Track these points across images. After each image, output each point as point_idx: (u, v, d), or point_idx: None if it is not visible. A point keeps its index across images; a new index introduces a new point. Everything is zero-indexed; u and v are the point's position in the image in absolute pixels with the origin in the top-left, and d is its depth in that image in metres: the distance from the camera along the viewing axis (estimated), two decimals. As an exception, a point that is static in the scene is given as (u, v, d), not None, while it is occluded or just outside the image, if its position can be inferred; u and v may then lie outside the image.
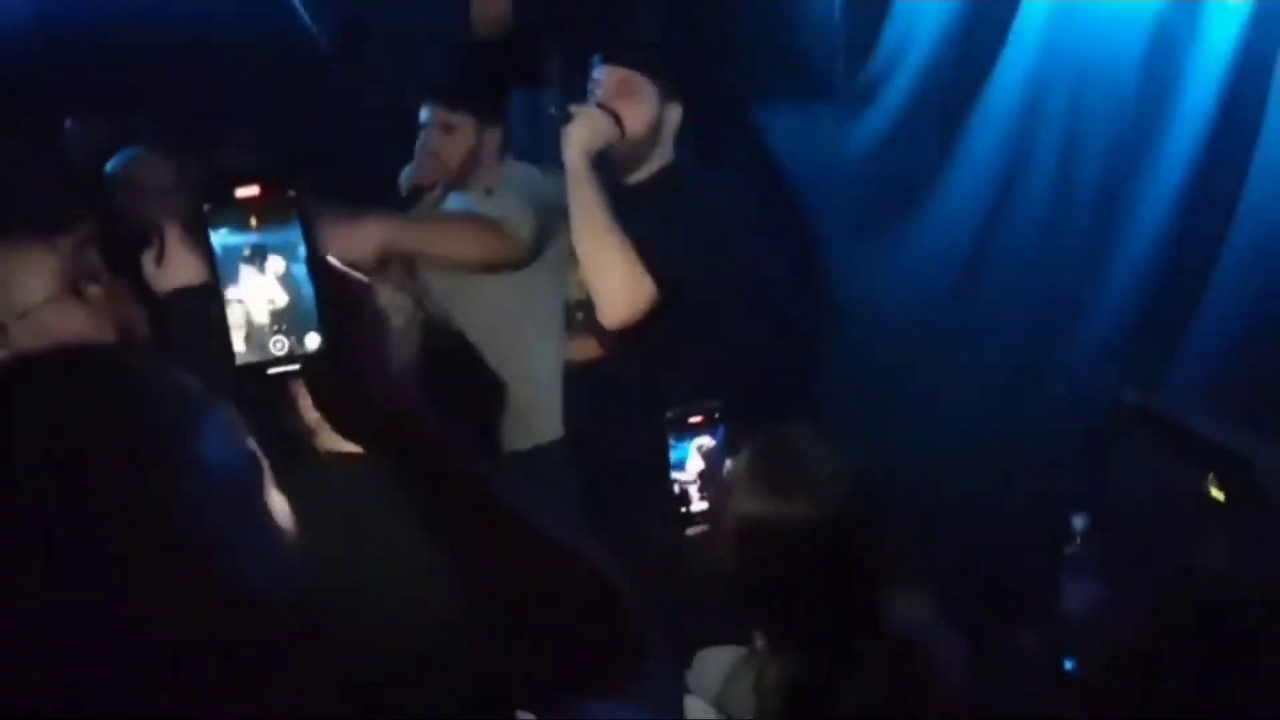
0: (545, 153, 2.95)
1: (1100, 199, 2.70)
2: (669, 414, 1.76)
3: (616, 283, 2.39)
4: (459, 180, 2.89)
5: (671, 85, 2.67)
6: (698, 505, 1.76)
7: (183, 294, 2.13)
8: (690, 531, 1.76)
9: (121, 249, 2.73)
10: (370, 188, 3.29)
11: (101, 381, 0.82)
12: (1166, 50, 2.53)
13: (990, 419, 2.85)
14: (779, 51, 3.18)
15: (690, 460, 1.76)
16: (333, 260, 0.96)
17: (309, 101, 3.55)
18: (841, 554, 1.44)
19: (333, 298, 0.94)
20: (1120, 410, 2.19)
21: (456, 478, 0.99)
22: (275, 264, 0.93)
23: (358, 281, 0.97)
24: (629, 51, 2.66)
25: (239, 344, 0.94)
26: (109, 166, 3.14)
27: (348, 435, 0.99)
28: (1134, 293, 2.62)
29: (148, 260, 2.17)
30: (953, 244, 2.98)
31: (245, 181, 0.93)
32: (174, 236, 2.15)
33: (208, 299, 2.16)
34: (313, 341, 0.94)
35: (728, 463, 1.68)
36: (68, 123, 4.03)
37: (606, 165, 2.55)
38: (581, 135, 2.46)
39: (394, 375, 0.98)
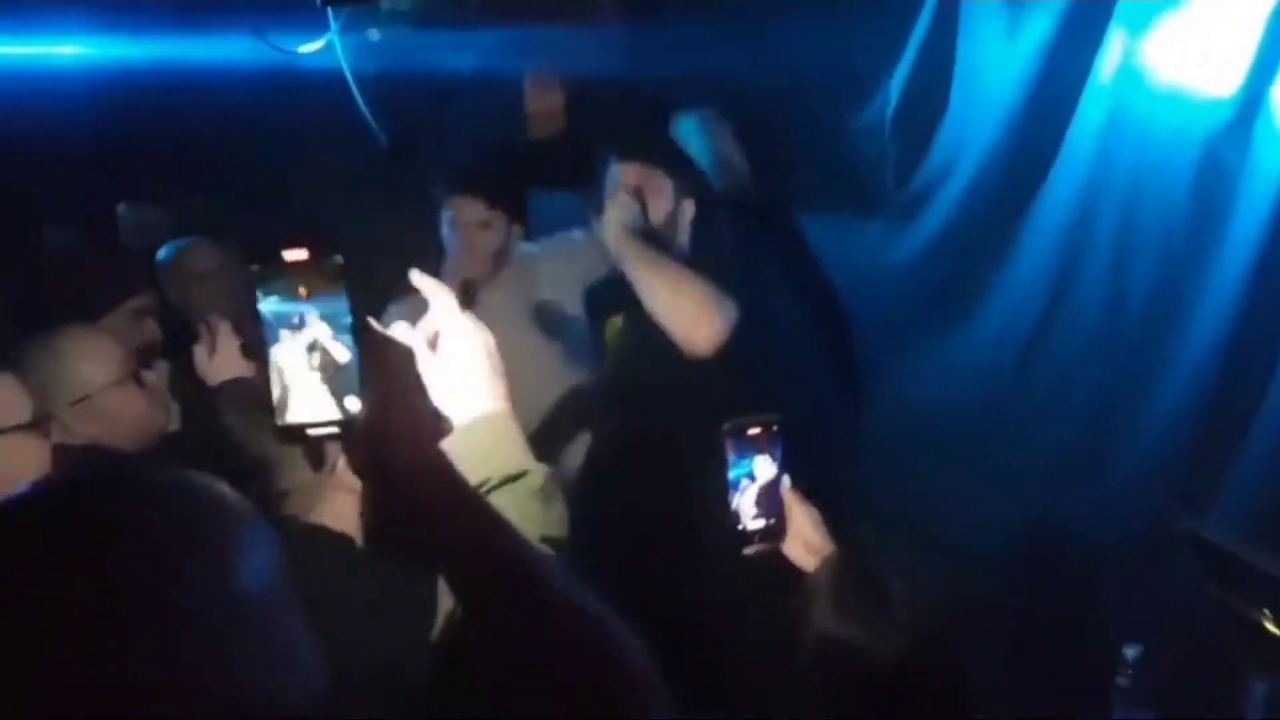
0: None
1: (1150, 317, 2.69)
2: (726, 426, 1.67)
3: (698, 309, 2.47)
4: (491, 273, 2.96)
5: (687, 182, 2.76)
6: (754, 523, 1.68)
7: (233, 385, 2.18)
8: (747, 550, 1.67)
9: (171, 336, 2.80)
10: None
11: (146, 498, 0.81)
12: (1217, 170, 2.54)
13: (1033, 533, 2.82)
14: (829, 160, 3.22)
15: (747, 477, 1.68)
16: (375, 325, 0.98)
17: (368, 194, 3.62)
18: (910, 687, 1.41)
19: (373, 361, 0.95)
20: (1171, 534, 2.16)
21: (485, 539, 0.98)
22: (319, 327, 0.95)
23: (400, 345, 0.99)
24: (644, 149, 2.74)
25: (280, 405, 0.96)
26: (161, 254, 3.21)
27: (381, 497, 0.98)
28: (1183, 413, 2.59)
29: (199, 353, 2.24)
30: (999, 355, 2.98)
31: (294, 245, 0.94)
32: (225, 331, 2.21)
33: (253, 391, 2.22)
34: (353, 405, 0.95)
35: (785, 480, 1.65)
36: (121, 209, 4.13)
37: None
38: (618, 216, 2.58)
39: (431, 439, 0.99)
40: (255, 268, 0.95)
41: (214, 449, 2.23)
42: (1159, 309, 2.67)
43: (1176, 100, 2.58)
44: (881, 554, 1.56)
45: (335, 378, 0.95)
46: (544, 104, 3.53)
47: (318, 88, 3.29)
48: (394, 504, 0.97)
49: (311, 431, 0.96)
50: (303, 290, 0.95)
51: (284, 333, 0.95)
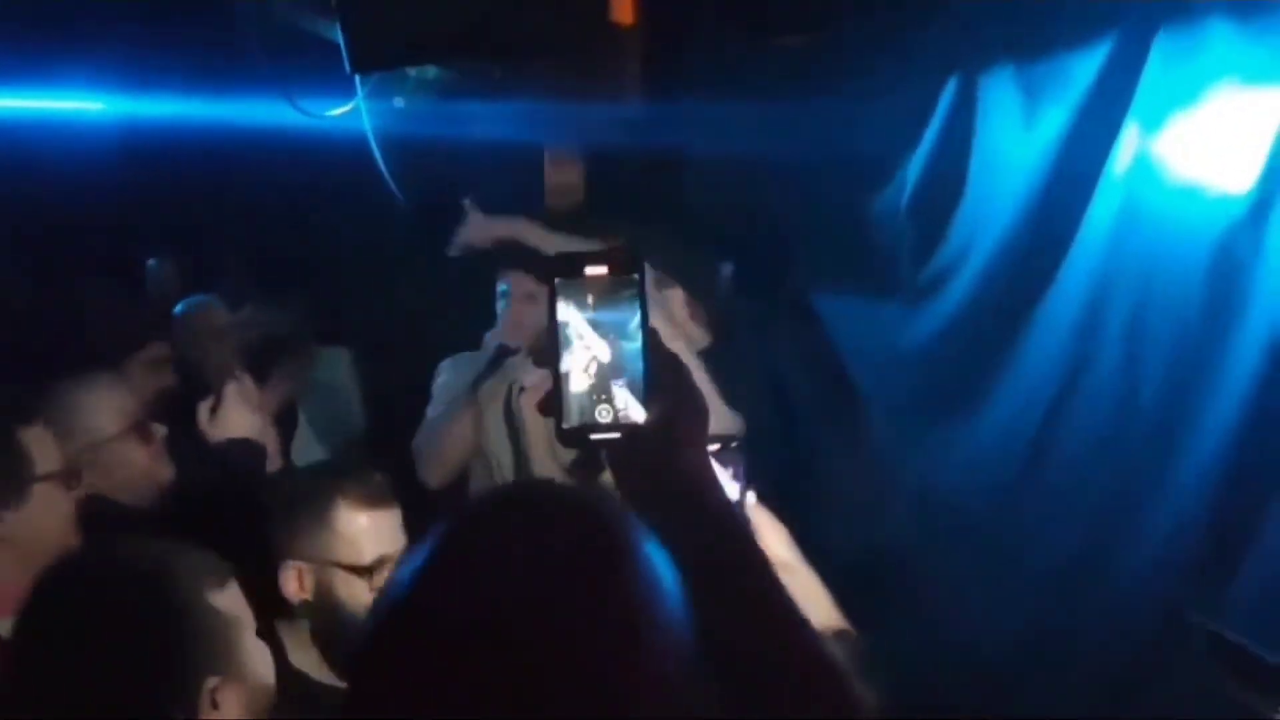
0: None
1: (1162, 409, 2.67)
2: None
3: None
4: (534, 342, 3.04)
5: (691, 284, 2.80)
6: None
7: (233, 445, 2.18)
8: None
9: (180, 390, 2.82)
10: (443, 343, 3.37)
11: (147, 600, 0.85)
12: (1230, 266, 2.55)
13: (1046, 618, 2.78)
14: (846, 244, 3.24)
15: None
16: (665, 341, 1.03)
17: (388, 260, 3.67)
18: None
19: (660, 374, 1.00)
20: (1184, 630, 2.11)
21: (732, 545, 1.03)
22: (608, 337, 1.00)
23: (682, 364, 1.04)
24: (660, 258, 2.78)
25: (566, 410, 1.00)
26: (177, 309, 3.26)
27: (644, 503, 1.02)
28: (1195, 508, 2.56)
29: (203, 409, 2.24)
30: (1011, 444, 2.95)
31: (595, 261, 1.00)
32: (231, 390, 2.22)
33: (256, 453, 2.22)
34: (636, 412, 1.00)
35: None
36: (151, 263, 4.21)
37: None
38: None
39: (705, 453, 1.05)
40: (558, 280, 1.00)
41: (212, 503, 2.22)
42: (1171, 401, 2.65)
43: (1190, 195, 2.59)
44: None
45: (620, 386, 1.00)
46: (563, 177, 3.58)
47: (342, 151, 3.34)
48: (662, 505, 1.01)
49: (594, 436, 1.01)
50: (603, 300, 1.00)
51: (583, 339, 1.00)
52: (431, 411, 3.18)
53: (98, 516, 1.97)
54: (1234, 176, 2.52)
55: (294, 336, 3.55)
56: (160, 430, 2.35)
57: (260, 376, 2.94)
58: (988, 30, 2.89)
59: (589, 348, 0.99)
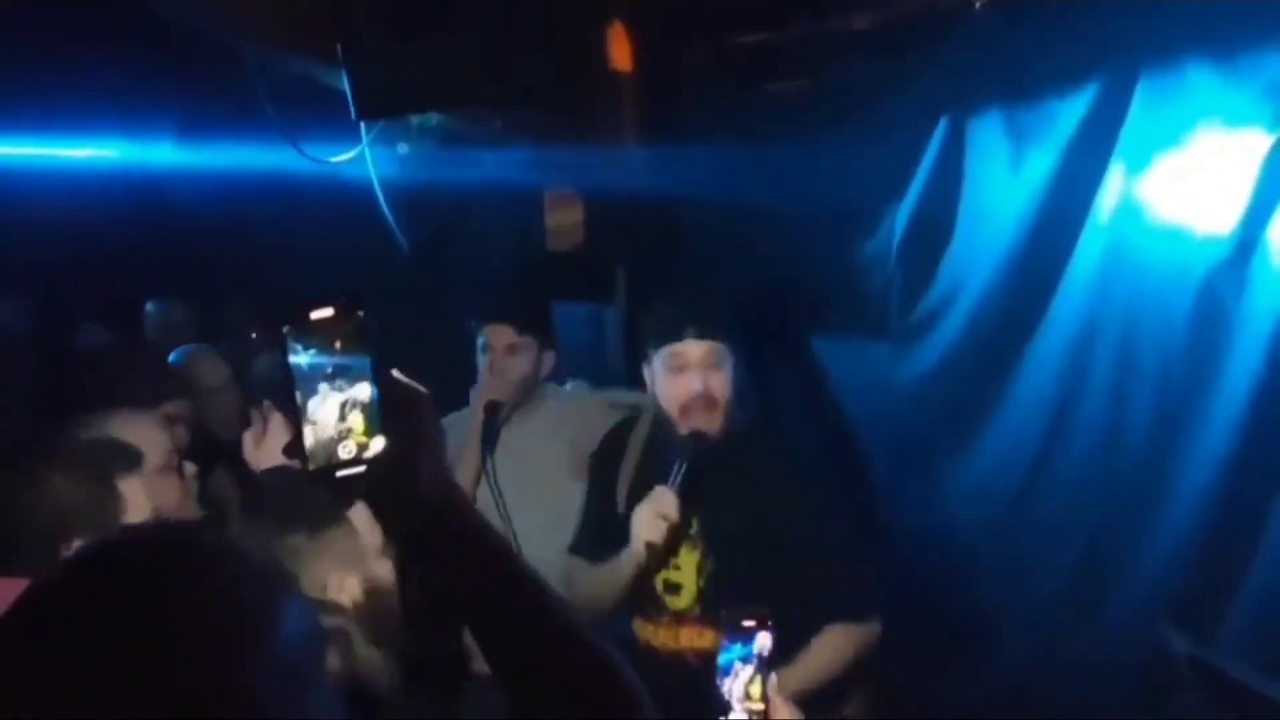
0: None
1: (1150, 447, 2.71)
2: (721, 613, 1.73)
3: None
4: (519, 399, 2.97)
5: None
6: (738, 715, 1.73)
7: (279, 473, 2.21)
8: None
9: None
10: (441, 392, 3.40)
11: (192, 561, 0.87)
12: (1214, 305, 2.60)
13: (1034, 653, 2.80)
14: (837, 287, 3.30)
15: (735, 668, 1.72)
16: (398, 375, 1.07)
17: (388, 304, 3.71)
18: None
19: (394, 405, 1.03)
20: (1172, 659, 2.15)
21: (493, 563, 1.09)
22: (342, 378, 1.02)
23: (416, 391, 1.08)
24: (711, 320, 2.49)
25: (313, 453, 1.02)
26: (172, 358, 3.29)
27: (398, 524, 1.10)
28: (1184, 541, 2.60)
29: (249, 438, 2.27)
30: (1001, 480, 3.00)
31: (319, 305, 1.02)
32: (277, 419, 2.25)
33: (297, 479, 2.24)
34: (376, 444, 1.03)
35: (772, 677, 1.67)
36: (149, 307, 4.24)
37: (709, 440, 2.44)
38: (653, 519, 2.33)
39: (445, 473, 1.10)
40: (286, 329, 1.02)
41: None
42: (1158, 439, 2.70)
43: (1174, 236, 2.66)
44: None
45: (358, 422, 1.03)
46: (562, 219, 3.64)
47: (347, 196, 3.40)
48: (419, 531, 1.08)
49: (340, 473, 1.03)
50: (334, 343, 1.02)
51: (320, 386, 1.02)
52: None
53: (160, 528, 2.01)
54: (1217, 218, 2.58)
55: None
56: (190, 469, 2.37)
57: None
58: (976, 76, 2.97)
59: (326, 389, 1.01)
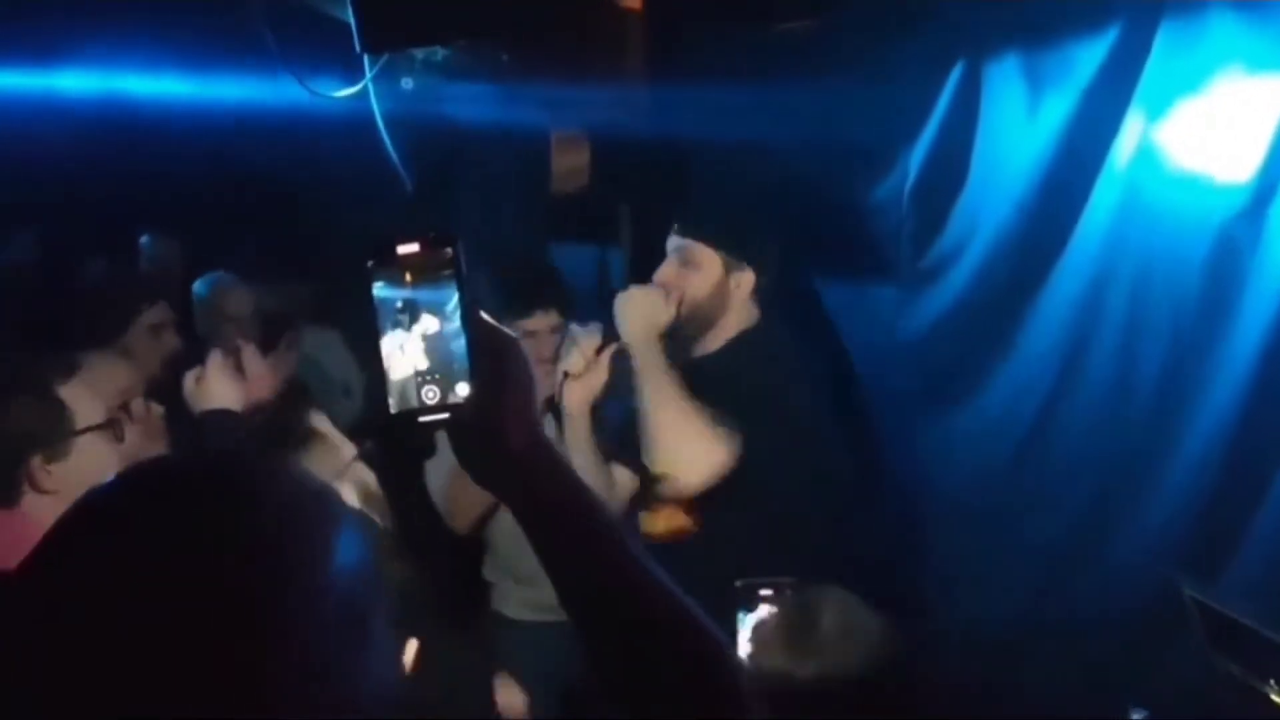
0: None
1: (1158, 398, 2.69)
2: (738, 584, 1.70)
3: (691, 451, 2.43)
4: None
5: (739, 252, 2.67)
6: None
7: (214, 415, 2.18)
8: None
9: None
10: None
11: (247, 484, 0.83)
12: (1230, 255, 2.56)
13: (1042, 601, 2.81)
14: (846, 231, 3.27)
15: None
16: (485, 315, 1.01)
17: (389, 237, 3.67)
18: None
19: (482, 349, 0.98)
20: (1177, 602, 2.15)
21: (585, 520, 1.02)
22: (428, 317, 0.98)
23: (506, 335, 1.02)
24: (693, 221, 2.70)
25: (392, 393, 0.98)
26: (197, 288, 3.27)
27: (487, 481, 1.02)
28: (1190, 491, 2.59)
29: (189, 379, 2.24)
30: (1008, 430, 2.99)
31: (407, 240, 0.97)
32: (214, 360, 2.21)
33: (235, 423, 2.20)
34: (462, 390, 0.97)
35: (748, 619, 1.65)
36: (144, 239, 4.20)
37: (675, 334, 2.59)
38: (635, 317, 2.53)
39: (536, 424, 1.02)
40: (370, 263, 0.97)
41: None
42: (1168, 388, 2.68)
43: (1191, 184, 2.61)
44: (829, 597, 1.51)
45: (444, 365, 0.98)
46: (569, 161, 3.60)
47: (349, 132, 3.35)
48: (507, 484, 1.01)
49: (423, 418, 0.98)
50: (412, 278, 0.98)
51: (395, 320, 0.98)
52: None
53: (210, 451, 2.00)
54: (1235, 166, 2.53)
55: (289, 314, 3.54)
56: (155, 409, 2.34)
57: (266, 348, 2.95)
58: (992, 18, 2.91)
59: (409, 328, 0.97)
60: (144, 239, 4.12)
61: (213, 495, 0.80)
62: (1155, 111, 2.66)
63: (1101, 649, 2.64)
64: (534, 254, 3.76)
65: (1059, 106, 2.82)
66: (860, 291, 3.32)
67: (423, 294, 0.98)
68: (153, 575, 0.75)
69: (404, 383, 0.98)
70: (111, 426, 1.91)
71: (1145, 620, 2.55)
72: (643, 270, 2.80)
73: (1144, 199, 2.72)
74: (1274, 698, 1.81)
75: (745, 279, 2.66)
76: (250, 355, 2.32)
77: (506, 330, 1.03)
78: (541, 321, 2.95)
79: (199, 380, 2.23)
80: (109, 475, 1.84)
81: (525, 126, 3.60)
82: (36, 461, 1.79)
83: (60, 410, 1.84)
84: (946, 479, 3.16)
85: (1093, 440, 2.83)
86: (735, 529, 2.48)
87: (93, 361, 2.25)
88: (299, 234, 3.88)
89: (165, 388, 2.63)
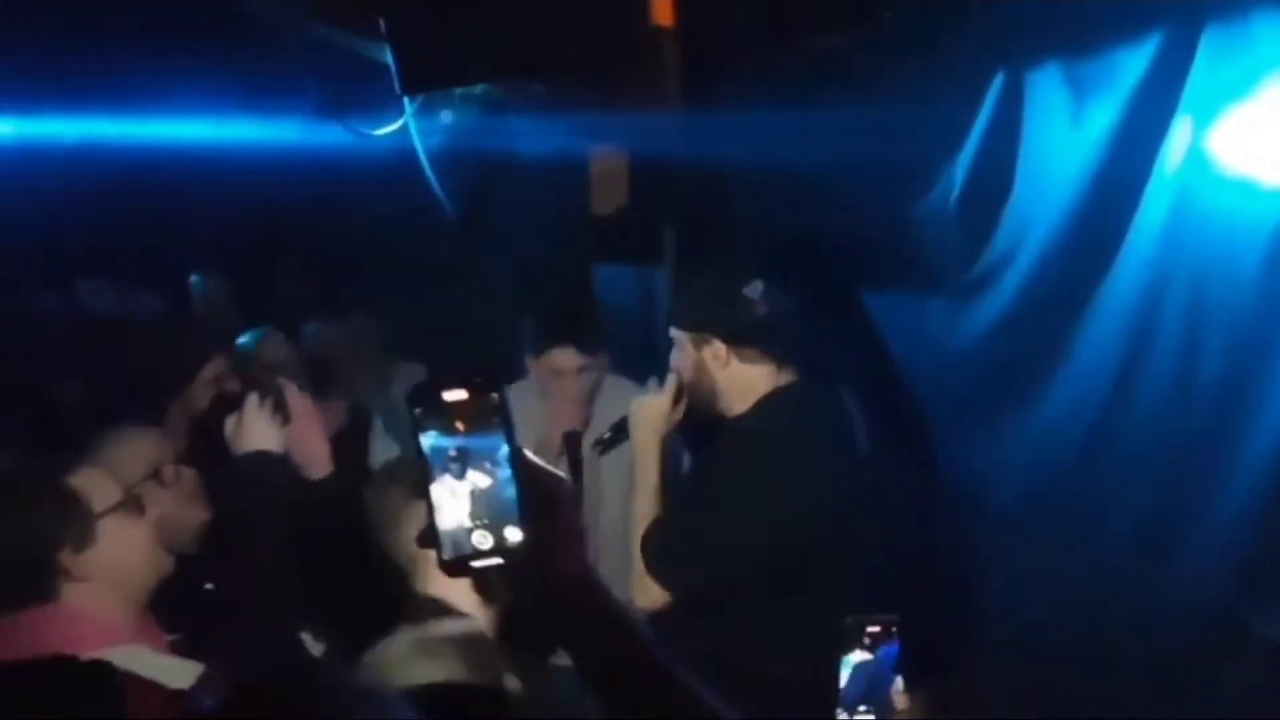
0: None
1: (1218, 407, 2.65)
2: (847, 620, 1.71)
3: (642, 579, 2.44)
4: (589, 418, 2.93)
5: (702, 327, 2.60)
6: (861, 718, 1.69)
7: (252, 457, 2.17)
8: None
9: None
10: (492, 354, 3.39)
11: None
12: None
13: (1102, 612, 2.78)
14: (893, 245, 3.24)
15: (856, 677, 1.70)
16: (533, 457, 1.02)
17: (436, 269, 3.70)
18: None
19: (533, 493, 0.99)
20: (1247, 635, 2.12)
21: (635, 654, 1.05)
22: (479, 464, 0.99)
23: (556, 477, 1.04)
24: (685, 315, 2.67)
25: (445, 540, 0.99)
26: (242, 341, 3.33)
27: (546, 622, 1.06)
28: (1252, 506, 2.56)
29: (229, 422, 2.24)
30: (1065, 438, 2.95)
31: (451, 385, 0.98)
32: (252, 403, 2.22)
33: (274, 464, 2.21)
34: (514, 535, 0.98)
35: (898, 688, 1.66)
36: (194, 278, 4.25)
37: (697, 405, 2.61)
38: (638, 433, 2.55)
39: (588, 564, 1.05)
40: (417, 411, 0.98)
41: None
42: (1227, 396, 2.64)
43: (1244, 188, 2.57)
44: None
45: (496, 511, 0.99)
46: (607, 181, 3.60)
47: (392, 168, 3.38)
48: (560, 624, 1.05)
49: (475, 564, 0.99)
50: (460, 426, 0.99)
51: (449, 467, 0.99)
52: None
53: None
54: (1288, 168, 2.50)
55: (360, 350, 3.57)
56: (185, 473, 2.36)
57: (319, 392, 2.98)
58: (1034, 28, 2.88)
59: (459, 475, 0.98)
60: (194, 279, 4.17)
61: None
62: (1203, 116, 2.62)
63: (1162, 661, 2.61)
64: (574, 284, 3.75)
65: (1104, 114, 2.78)
66: (911, 304, 3.29)
67: (474, 442, 0.99)
68: None
69: (456, 530, 0.99)
70: (129, 503, 1.92)
71: (1208, 631, 2.52)
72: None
73: (1195, 204, 2.68)
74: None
75: (717, 350, 2.57)
76: (293, 393, 2.32)
77: (556, 472, 1.05)
78: (570, 360, 2.91)
79: (237, 423, 2.24)
80: (141, 553, 1.87)
81: (564, 154, 3.60)
82: (65, 553, 1.81)
83: (75, 499, 1.85)
84: (1005, 489, 3.13)
85: (1152, 448, 2.79)
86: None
87: (117, 441, 2.29)
88: (347, 269, 3.92)
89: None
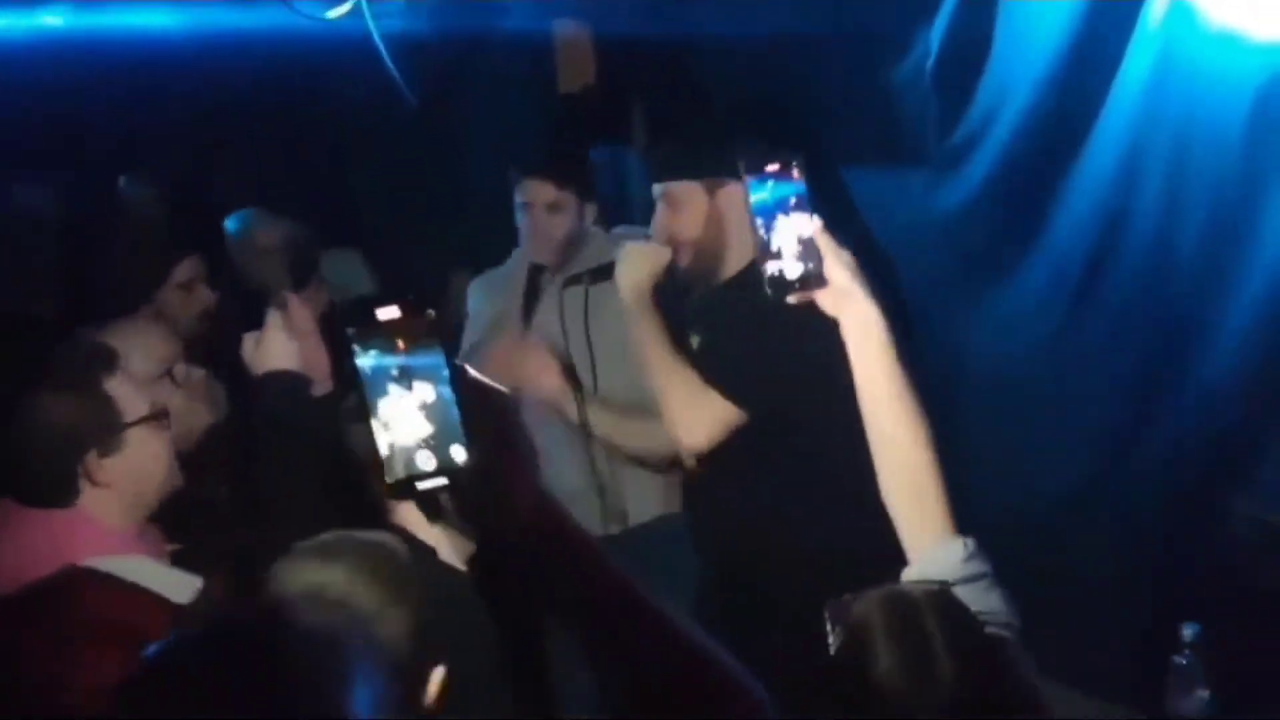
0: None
1: (1201, 269, 2.63)
2: (741, 162, 1.56)
3: (684, 415, 2.36)
4: (564, 259, 2.85)
5: (716, 167, 2.44)
6: (794, 269, 1.56)
7: (277, 376, 2.13)
8: (789, 299, 1.56)
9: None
10: (459, 244, 3.32)
11: (256, 658, 0.87)
12: (1271, 117, 2.46)
13: (1080, 496, 2.80)
14: (870, 114, 3.15)
15: (776, 217, 1.54)
16: (475, 374, 1.00)
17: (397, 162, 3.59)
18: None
19: (477, 411, 0.96)
20: (1228, 514, 2.13)
21: (596, 578, 1.03)
22: (419, 383, 0.96)
23: (501, 394, 1.02)
24: (659, 164, 2.56)
25: (388, 461, 0.96)
26: (230, 226, 3.22)
27: (496, 544, 1.04)
28: (1232, 372, 2.54)
29: (248, 341, 2.18)
30: (1046, 310, 2.93)
31: (385, 303, 0.96)
32: (272, 319, 2.16)
33: (299, 384, 2.17)
34: (459, 455, 0.96)
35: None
36: (122, 180, 4.02)
37: (685, 277, 2.51)
38: (625, 276, 2.43)
39: (539, 482, 1.02)
40: (351, 331, 0.96)
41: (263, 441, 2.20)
42: (1209, 261, 2.61)
43: (1229, 43, 2.49)
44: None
45: (440, 429, 0.96)
46: (574, 62, 3.48)
47: (344, 52, 3.24)
48: (513, 544, 1.02)
49: (421, 485, 0.97)
50: (401, 344, 0.96)
51: (389, 388, 0.96)
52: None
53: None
54: (1273, 21, 2.41)
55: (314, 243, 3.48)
56: (195, 373, 2.32)
57: (299, 286, 2.92)
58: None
59: (402, 394, 0.95)
60: (122, 180, 3.93)
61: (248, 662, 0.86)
62: (1187, -33, 2.52)
63: (1145, 528, 2.63)
64: (555, 126, 3.62)
65: (1085, -30, 2.67)
66: (890, 174, 3.21)
67: (415, 361, 0.96)
68: None
69: (400, 451, 0.96)
70: (158, 418, 1.92)
71: (1187, 516, 2.54)
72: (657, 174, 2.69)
73: (1179, 62, 2.60)
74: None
75: (735, 191, 2.32)
76: (296, 306, 2.26)
77: (499, 388, 1.02)
78: (542, 192, 2.82)
79: (259, 343, 2.19)
80: (162, 466, 1.87)
81: (525, 31, 3.46)
82: (92, 457, 1.82)
83: (108, 405, 1.85)
84: (985, 360, 3.11)
85: (1134, 315, 2.78)
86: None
87: (128, 338, 2.24)
88: (305, 161, 3.79)
89: (205, 347, 2.63)
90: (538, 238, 2.84)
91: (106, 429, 1.85)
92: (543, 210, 2.82)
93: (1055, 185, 2.88)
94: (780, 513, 2.36)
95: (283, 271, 3.11)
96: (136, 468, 1.87)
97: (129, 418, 1.87)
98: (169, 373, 2.26)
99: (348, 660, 0.89)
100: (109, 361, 1.92)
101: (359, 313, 0.96)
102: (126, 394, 1.89)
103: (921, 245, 3.17)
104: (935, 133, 3.08)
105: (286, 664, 0.85)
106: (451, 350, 0.97)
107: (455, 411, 0.96)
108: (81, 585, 1.73)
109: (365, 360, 0.96)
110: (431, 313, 0.97)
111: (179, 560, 1.95)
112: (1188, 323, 2.66)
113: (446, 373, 0.96)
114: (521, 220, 2.87)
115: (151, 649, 0.88)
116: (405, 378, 0.96)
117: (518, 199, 2.85)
